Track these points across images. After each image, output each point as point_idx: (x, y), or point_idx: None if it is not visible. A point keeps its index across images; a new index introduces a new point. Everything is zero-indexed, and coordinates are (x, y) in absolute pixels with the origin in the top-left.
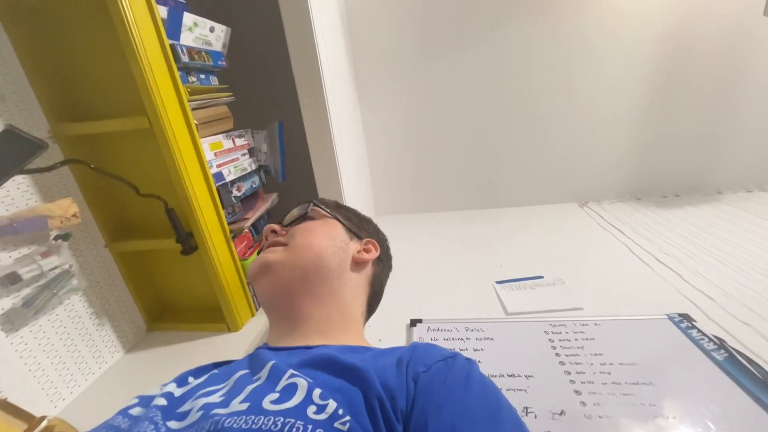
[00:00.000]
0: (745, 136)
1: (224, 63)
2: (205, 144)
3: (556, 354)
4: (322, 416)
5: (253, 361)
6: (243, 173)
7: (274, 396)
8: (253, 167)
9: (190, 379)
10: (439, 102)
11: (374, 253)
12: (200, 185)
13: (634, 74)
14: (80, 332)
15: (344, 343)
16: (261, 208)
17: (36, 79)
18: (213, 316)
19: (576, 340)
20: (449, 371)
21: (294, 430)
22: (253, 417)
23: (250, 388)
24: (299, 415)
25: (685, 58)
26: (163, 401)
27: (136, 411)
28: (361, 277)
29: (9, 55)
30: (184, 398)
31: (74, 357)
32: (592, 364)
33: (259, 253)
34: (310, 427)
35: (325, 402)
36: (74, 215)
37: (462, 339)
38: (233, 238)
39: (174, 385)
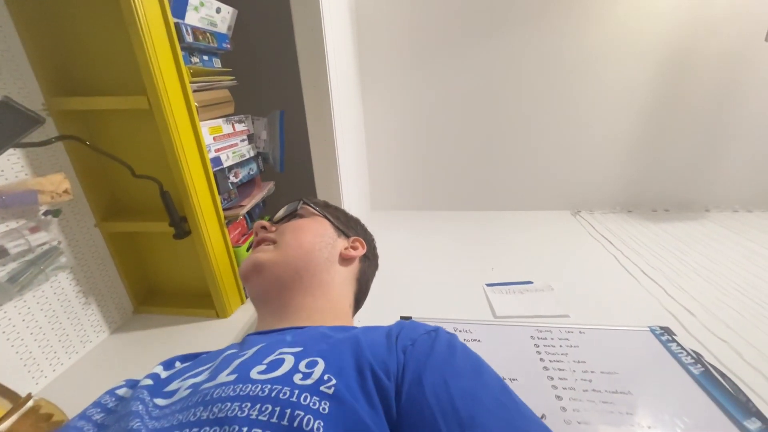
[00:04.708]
0: (735, 159)
1: (228, 46)
2: (205, 127)
3: (541, 359)
4: (308, 381)
5: (242, 344)
6: (241, 159)
7: (261, 367)
8: (252, 154)
9: (177, 363)
10: (441, 103)
11: (361, 251)
12: (197, 169)
13: (633, 91)
14: (66, 310)
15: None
16: (257, 196)
17: (32, 49)
18: (202, 302)
19: (561, 346)
20: (434, 341)
21: (281, 395)
22: (240, 385)
23: (236, 362)
24: (286, 381)
25: (683, 79)
26: (149, 381)
27: (122, 392)
28: (348, 272)
29: (4, 22)
30: (170, 379)
31: (58, 335)
32: (574, 371)
33: (249, 249)
34: (296, 392)
35: (311, 370)
36: (65, 191)
37: None
38: (227, 224)
39: (161, 368)
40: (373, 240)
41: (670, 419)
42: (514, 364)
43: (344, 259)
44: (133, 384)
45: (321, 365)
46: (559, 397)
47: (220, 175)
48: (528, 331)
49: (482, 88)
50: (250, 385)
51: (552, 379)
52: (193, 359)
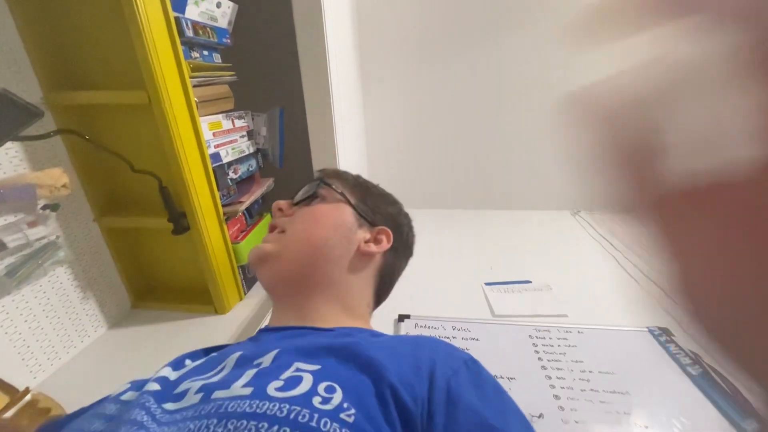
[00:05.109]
0: None
1: (229, 41)
2: (204, 123)
3: (539, 358)
4: (328, 407)
5: (256, 345)
6: (240, 155)
7: (279, 383)
8: (251, 150)
9: (188, 361)
10: (442, 101)
11: (384, 245)
12: (197, 165)
13: None
14: (64, 305)
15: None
16: (256, 192)
17: (31, 42)
18: (200, 298)
19: (559, 346)
20: (469, 372)
21: (300, 417)
22: (257, 402)
23: (251, 372)
24: (305, 403)
25: None
26: (156, 386)
27: (127, 396)
28: (367, 269)
29: (2, 14)
30: (179, 381)
31: (56, 329)
32: (572, 370)
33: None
34: (316, 416)
35: (330, 395)
36: (64, 186)
37: (448, 338)
38: (227, 220)
39: (169, 368)
40: (404, 225)
41: (667, 419)
42: (513, 363)
43: (362, 255)
44: (139, 386)
45: (339, 393)
46: (557, 397)
47: (219, 171)
48: (526, 331)
49: (483, 87)
50: (267, 403)
51: (550, 378)
52: (203, 356)
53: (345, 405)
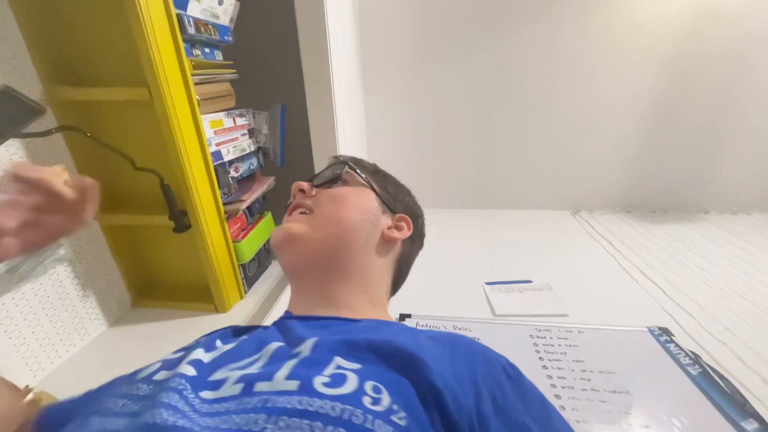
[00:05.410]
0: (734, 162)
1: (230, 38)
2: (206, 121)
3: (540, 358)
4: (379, 408)
5: (286, 333)
6: (242, 154)
7: (325, 379)
8: (252, 148)
9: (218, 343)
10: (442, 100)
11: (406, 232)
12: (198, 163)
13: (634, 93)
14: (64, 303)
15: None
16: (257, 191)
17: (32, 38)
18: (201, 296)
19: (560, 345)
20: (512, 382)
21: (354, 418)
22: (306, 398)
23: (291, 363)
24: (356, 403)
25: (683, 82)
26: (191, 371)
27: (161, 375)
28: (388, 256)
29: (3, 9)
30: (214, 365)
31: (56, 327)
32: (573, 370)
33: (286, 208)
34: (369, 417)
35: (378, 395)
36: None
37: None
38: (227, 219)
39: (201, 350)
40: (421, 216)
41: (667, 419)
42: (513, 362)
43: (385, 241)
44: (170, 366)
45: (386, 394)
46: (557, 396)
47: (220, 169)
48: (527, 330)
49: (484, 88)
50: (317, 400)
51: (551, 377)
52: (232, 337)
53: (395, 407)
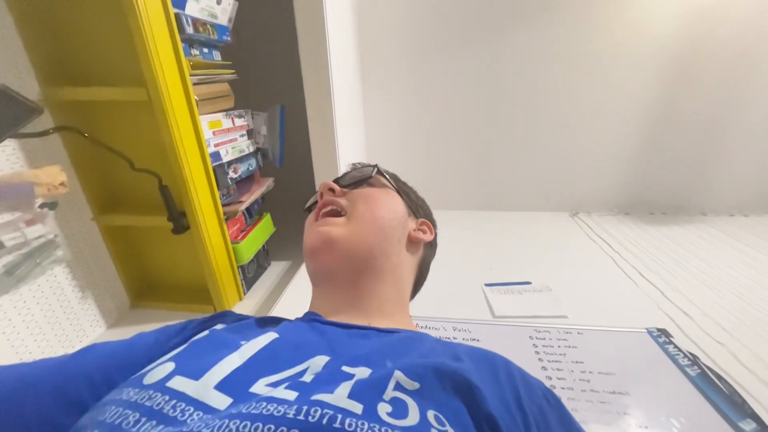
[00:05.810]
0: (732, 164)
1: (229, 38)
2: (204, 121)
3: (539, 359)
4: None
5: (318, 333)
6: (240, 155)
7: (388, 407)
8: (251, 149)
9: (243, 343)
10: (441, 102)
11: (429, 235)
12: (196, 164)
13: (633, 94)
14: (62, 304)
15: (403, 326)
16: (256, 192)
17: (28, 38)
18: (199, 298)
19: (559, 347)
20: (552, 409)
21: None
22: (377, 426)
23: (348, 384)
24: None
25: (683, 84)
26: (223, 401)
27: (178, 384)
28: (414, 257)
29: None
30: (250, 378)
31: (54, 329)
32: (572, 371)
33: (309, 210)
34: None
35: (443, 428)
36: (62, 184)
37: (449, 338)
38: (226, 220)
39: (228, 358)
40: (435, 223)
41: (666, 420)
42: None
43: (412, 243)
44: (191, 372)
45: (449, 426)
46: None
47: (219, 170)
48: (526, 331)
49: (483, 89)
50: (389, 430)
51: (550, 378)
52: (257, 329)
53: None
